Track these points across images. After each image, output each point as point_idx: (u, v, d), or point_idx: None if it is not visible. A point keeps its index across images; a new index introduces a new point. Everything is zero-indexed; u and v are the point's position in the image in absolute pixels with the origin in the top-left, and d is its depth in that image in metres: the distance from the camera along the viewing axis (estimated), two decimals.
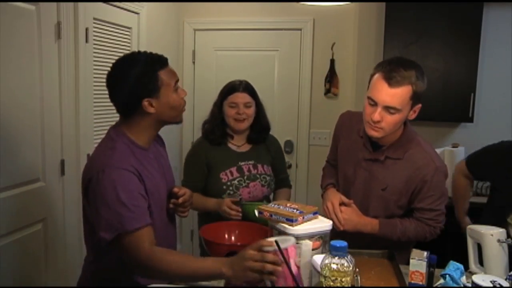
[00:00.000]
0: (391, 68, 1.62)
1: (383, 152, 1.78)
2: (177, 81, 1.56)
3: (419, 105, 1.70)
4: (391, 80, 1.60)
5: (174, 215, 1.77)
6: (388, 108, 1.63)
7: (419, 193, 1.76)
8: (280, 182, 2.35)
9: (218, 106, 2.22)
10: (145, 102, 1.49)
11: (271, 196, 2.37)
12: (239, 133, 2.24)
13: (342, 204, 1.80)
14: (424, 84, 1.68)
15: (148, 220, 1.44)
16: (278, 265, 1.27)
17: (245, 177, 2.20)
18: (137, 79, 1.48)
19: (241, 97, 2.15)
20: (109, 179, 1.41)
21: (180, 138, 4.15)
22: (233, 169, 2.20)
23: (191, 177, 2.24)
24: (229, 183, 2.18)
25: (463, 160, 2.43)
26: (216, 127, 2.21)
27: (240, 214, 2.05)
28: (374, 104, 1.65)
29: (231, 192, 2.17)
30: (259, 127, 2.26)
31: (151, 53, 1.55)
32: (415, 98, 1.64)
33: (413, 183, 1.75)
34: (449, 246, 2.90)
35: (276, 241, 1.29)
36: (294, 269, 1.30)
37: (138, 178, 1.46)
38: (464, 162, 2.38)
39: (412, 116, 1.71)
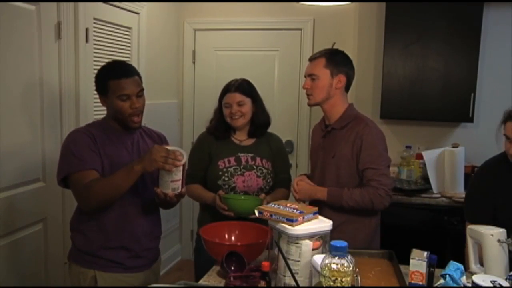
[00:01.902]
0: None
1: (331, 126, 2.09)
2: (126, 94, 1.81)
3: (342, 76, 2.04)
4: (310, 58, 2.12)
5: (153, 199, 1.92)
6: (310, 76, 2.06)
7: (360, 154, 1.97)
8: (280, 182, 2.36)
9: (219, 105, 2.33)
10: (100, 97, 1.88)
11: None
12: (239, 129, 2.32)
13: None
14: (343, 63, 2.06)
15: (92, 166, 1.78)
16: (178, 160, 1.72)
17: (241, 166, 2.26)
18: (96, 79, 1.89)
19: (233, 97, 2.25)
20: (68, 136, 1.88)
21: (180, 137, 4.16)
22: (232, 158, 2.27)
23: (192, 165, 2.32)
24: (224, 170, 2.25)
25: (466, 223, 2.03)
26: (219, 124, 2.32)
27: (229, 212, 2.11)
28: (305, 77, 2.11)
29: (226, 179, 2.23)
30: (258, 122, 2.33)
31: (117, 64, 1.95)
32: (330, 67, 2.03)
33: (355, 146, 1.99)
34: (449, 246, 2.91)
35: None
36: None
37: (90, 139, 1.81)
38: (467, 224, 2.00)
39: (338, 85, 2.04)
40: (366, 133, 1.98)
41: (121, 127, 1.89)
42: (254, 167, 2.27)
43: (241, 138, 2.33)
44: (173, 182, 1.76)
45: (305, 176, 2.17)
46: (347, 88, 2.09)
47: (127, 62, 2.01)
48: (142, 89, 1.87)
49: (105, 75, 1.85)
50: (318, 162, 2.12)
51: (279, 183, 2.35)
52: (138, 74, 1.88)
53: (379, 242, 2.12)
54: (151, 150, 1.72)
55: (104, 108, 1.90)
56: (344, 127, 2.05)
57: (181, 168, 1.76)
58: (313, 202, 2.03)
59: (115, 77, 1.81)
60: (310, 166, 2.22)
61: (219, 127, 2.31)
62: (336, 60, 2.06)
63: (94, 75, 1.89)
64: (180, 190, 1.79)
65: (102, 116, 1.96)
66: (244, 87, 2.28)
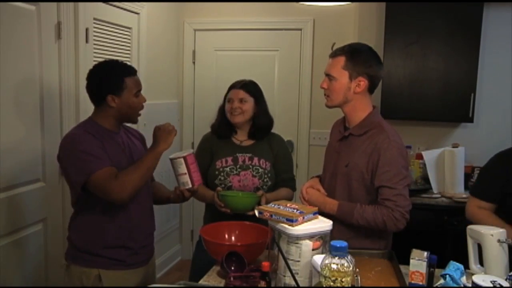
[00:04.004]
0: None
1: (349, 131, 1.92)
2: (139, 90, 1.90)
3: (362, 79, 1.84)
4: (330, 54, 1.92)
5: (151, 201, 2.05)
6: (328, 76, 1.88)
7: (377, 170, 1.80)
8: (283, 181, 2.36)
9: (223, 103, 2.35)
10: (109, 97, 1.84)
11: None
12: (239, 127, 2.33)
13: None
14: (365, 64, 1.83)
15: (110, 163, 1.78)
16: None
17: (238, 166, 2.28)
18: (106, 78, 1.85)
19: (236, 93, 2.28)
20: (69, 139, 1.83)
21: (180, 137, 4.16)
22: (229, 158, 2.29)
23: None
24: (221, 169, 2.27)
25: (469, 196, 2.19)
26: (222, 122, 2.34)
27: (225, 209, 2.12)
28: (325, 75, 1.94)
29: (222, 178, 2.26)
30: (258, 124, 2.33)
31: (122, 62, 1.93)
32: (350, 68, 1.83)
33: (371, 159, 1.82)
34: (449, 246, 2.91)
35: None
36: (196, 172, 1.97)
37: (93, 137, 1.80)
38: (470, 197, 2.16)
39: (357, 89, 1.84)
40: (385, 147, 1.78)
41: (114, 126, 1.90)
42: (250, 166, 2.28)
43: (241, 138, 2.34)
44: (180, 176, 1.93)
45: (318, 178, 2.04)
46: (371, 90, 1.88)
47: (126, 62, 2.01)
48: None
49: (119, 73, 1.85)
50: (330, 167, 1.97)
51: (282, 183, 2.36)
52: None
53: None
54: (162, 127, 1.86)
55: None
56: (362, 134, 1.86)
57: (183, 161, 1.92)
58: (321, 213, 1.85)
59: (129, 74, 1.86)
60: (323, 164, 2.08)
61: (222, 125, 2.33)
62: (358, 60, 1.83)
63: None
64: (190, 185, 1.94)
65: None
66: (249, 86, 2.32)
